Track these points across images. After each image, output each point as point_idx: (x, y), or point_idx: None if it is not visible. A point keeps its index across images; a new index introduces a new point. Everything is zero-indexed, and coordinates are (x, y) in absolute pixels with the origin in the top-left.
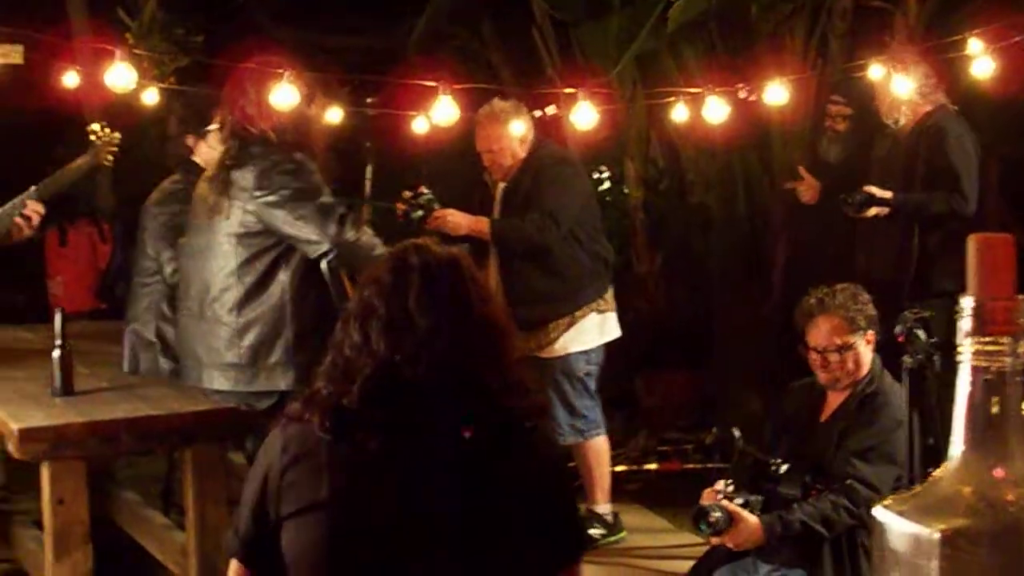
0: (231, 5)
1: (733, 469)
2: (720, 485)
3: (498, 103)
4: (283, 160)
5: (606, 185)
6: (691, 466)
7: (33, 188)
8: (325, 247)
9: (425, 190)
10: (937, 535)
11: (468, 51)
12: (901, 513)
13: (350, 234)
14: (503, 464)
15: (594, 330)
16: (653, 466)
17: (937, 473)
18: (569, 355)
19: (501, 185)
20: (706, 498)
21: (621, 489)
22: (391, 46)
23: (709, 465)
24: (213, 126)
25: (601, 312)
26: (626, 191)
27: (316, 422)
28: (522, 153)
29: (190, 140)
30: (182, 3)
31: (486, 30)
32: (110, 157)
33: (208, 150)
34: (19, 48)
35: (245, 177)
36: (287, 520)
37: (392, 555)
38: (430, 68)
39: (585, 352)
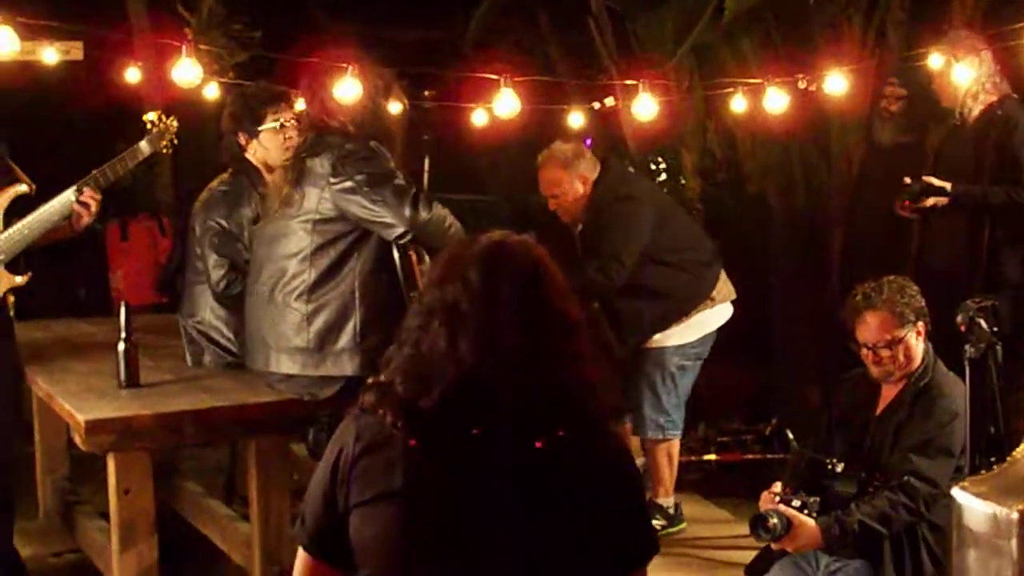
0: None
1: (788, 470)
2: (776, 487)
3: (558, 146)
4: (358, 148)
5: (662, 177)
6: (751, 457)
7: (89, 176)
8: (402, 229)
9: None
10: (1015, 515)
11: (524, 43)
12: (979, 494)
13: (423, 213)
14: (576, 465)
15: (696, 325)
16: (713, 457)
17: (1016, 453)
18: (665, 348)
19: (578, 227)
20: (763, 502)
21: (681, 480)
22: (447, 39)
23: (768, 456)
24: (266, 125)
25: (709, 307)
26: (683, 182)
27: (390, 420)
28: (586, 191)
29: (241, 138)
30: None
31: (542, 22)
32: (167, 145)
33: (261, 150)
34: (79, 44)
35: (322, 165)
36: (357, 508)
37: (460, 549)
38: (487, 60)
39: (681, 346)
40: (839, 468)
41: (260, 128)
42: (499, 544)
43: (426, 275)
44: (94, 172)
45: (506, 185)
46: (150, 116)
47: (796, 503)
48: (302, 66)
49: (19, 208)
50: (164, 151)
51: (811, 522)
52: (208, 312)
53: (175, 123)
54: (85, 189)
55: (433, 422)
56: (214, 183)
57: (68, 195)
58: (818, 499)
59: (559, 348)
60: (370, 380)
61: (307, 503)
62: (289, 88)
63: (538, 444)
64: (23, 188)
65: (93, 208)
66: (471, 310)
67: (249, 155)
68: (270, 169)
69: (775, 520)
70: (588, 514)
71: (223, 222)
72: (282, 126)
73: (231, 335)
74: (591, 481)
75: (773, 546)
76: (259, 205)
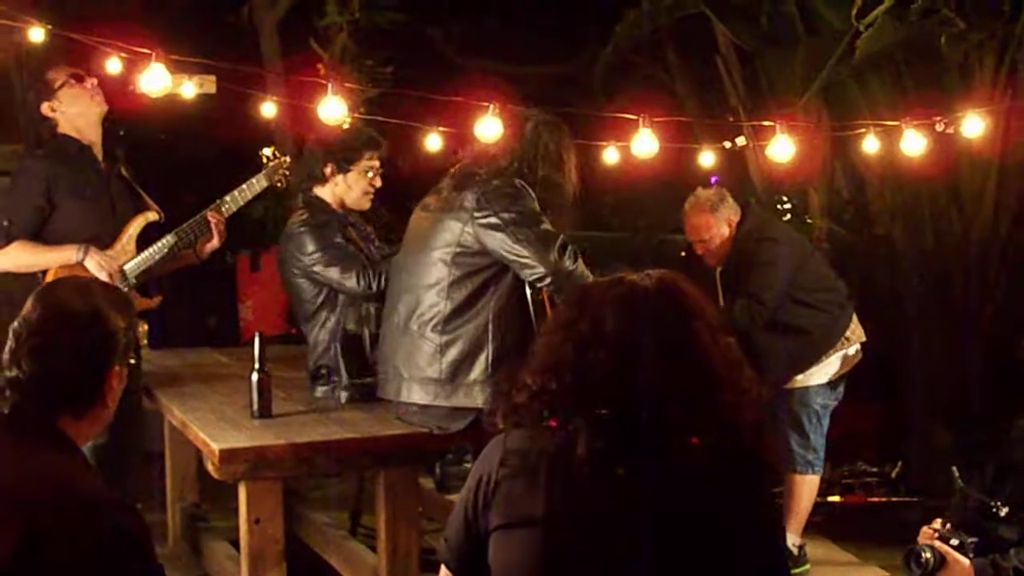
0: (419, 37)
1: (951, 508)
2: (937, 524)
3: (702, 192)
4: (504, 184)
5: (787, 217)
6: (876, 499)
7: (212, 205)
8: (542, 272)
9: None
10: None
11: (652, 80)
12: None
13: (568, 263)
14: (716, 495)
15: (835, 363)
16: (837, 498)
17: None
18: (808, 388)
19: (719, 270)
20: (923, 537)
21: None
22: (576, 75)
23: (894, 499)
24: (359, 166)
25: (846, 347)
26: (809, 221)
27: (536, 448)
28: (731, 234)
29: (328, 168)
30: (372, 35)
31: (671, 60)
32: (281, 179)
33: (343, 187)
34: (212, 78)
35: (467, 198)
36: (496, 531)
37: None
38: (614, 97)
39: (823, 385)
40: (1003, 512)
41: (352, 167)
42: (638, 573)
43: (564, 306)
44: (216, 201)
45: (633, 222)
46: (266, 151)
47: (954, 541)
48: (441, 103)
49: (149, 235)
50: (279, 185)
51: (966, 561)
52: (333, 350)
53: (287, 159)
54: (211, 215)
55: (575, 452)
56: (293, 221)
57: (198, 221)
58: (976, 540)
59: (701, 379)
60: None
61: (451, 522)
62: (423, 124)
63: (678, 475)
64: (153, 216)
65: (217, 236)
66: (611, 342)
67: (326, 188)
68: (343, 207)
69: (928, 555)
70: (727, 545)
71: (317, 249)
72: (373, 172)
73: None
74: (730, 511)
75: None
76: (344, 235)
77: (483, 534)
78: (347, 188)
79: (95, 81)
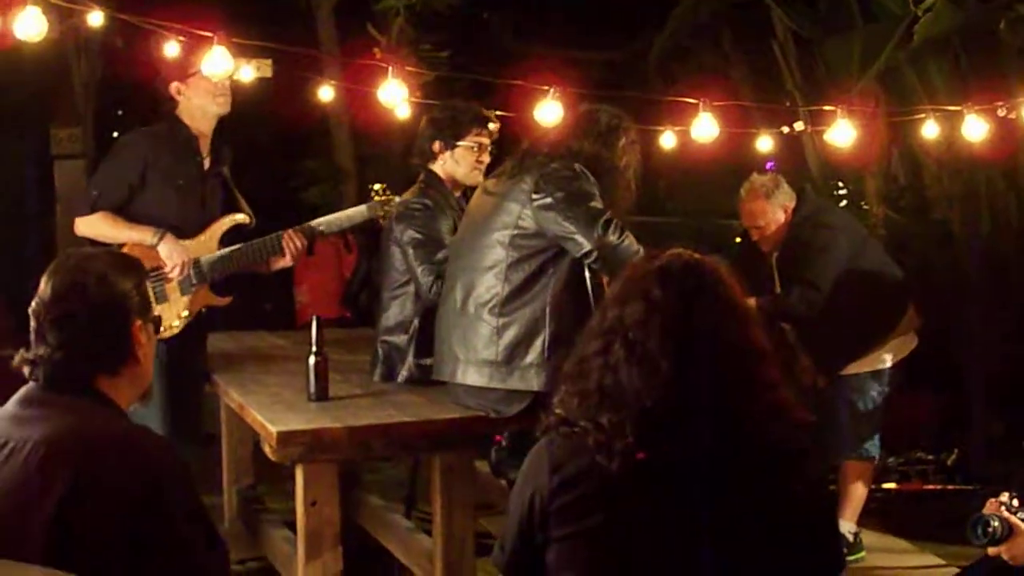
0: (475, 22)
1: (1016, 483)
2: (1004, 497)
3: (757, 178)
4: (562, 168)
5: (843, 203)
6: (931, 487)
7: (304, 225)
8: (588, 247)
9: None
10: None
11: (708, 66)
12: None
13: (612, 238)
14: (769, 491)
15: (892, 350)
16: (892, 485)
17: None
18: (864, 375)
19: (774, 255)
20: (989, 508)
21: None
22: (632, 61)
23: (950, 487)
24: (466, 142)
25: (903, 334)
26: (865, 207)
27: (587, 454)
28: (787, 219)
29: (436, 145)
30: (428, 19)
31: (727, 46)
32: (384, 216)
33: (452, 163)
34: (268, 62)
35: (526, 181)
36: (555, 543)
37: None
38: (670, 82)
39: (880, 372)
40: None
41: (459, 143)
42: (699, 571)
43: (607, 294)
44: (308, 223)
45: (687, 207)
46: (376, 187)
47: (1022, 515)
48: (497, 87)
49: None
50: (381, 221)
51: None
52: (403, 329)
53: (396, 199)
54: (294, 234)
55: (630, 456)
56: (407, 196)
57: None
58: None
59: (747, 373)
60: (556, 406)
61: (506, 531)
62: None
63: (731, 472)
64: (242, 218)
65: (293, 255)
66: (653, 334)
67: (437, 164)
68: (455, 184)
69: (996, 523)
70: (782, 537)
71: (422, 233)
72: (480, 148)
73: (419, 352)
74: (784, 504)
75: (990, 551)
76: (456, 218)
77: (540, 544)
78: (455, 164)
79: (228, 83)
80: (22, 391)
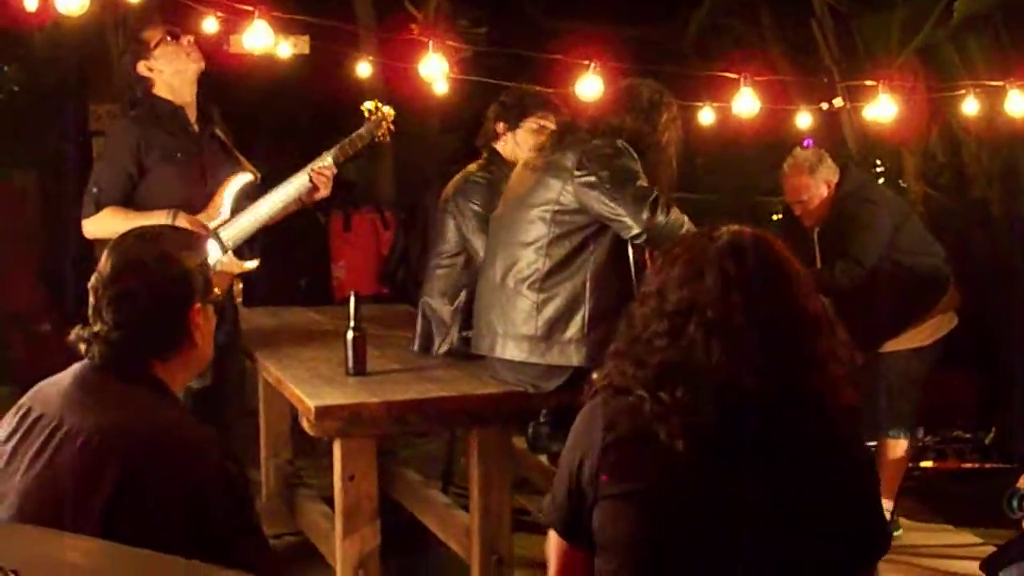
0: None
1: None
2: None
3: (800, 153)
4: (604, 144)
5: (880, 180)
6: (968, 465)
7: (325, 154)
8: (637, 230)
9: None
10: None
11: (745, 43)
12: None
13: (660, 217)
14: (818, 465)
15: (931, 328)
16: (930, 464)
17: None
18: (902, 352)
19: (816, 230)
20: (1023, 483)
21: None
22: (668, 37)
23: (987, 465)
24: (529, 123)
25: (943, 312)
26: (903, 184)
27: (646, 415)
28: (830, 194)
29: (500, 126)
30: None
31: (764, 22)
32: (385, 133)
33: (513, 144)
34: (306, 39)
35: (568, 158)
36: (602, 501)
37: (705, 547)
38: (706, 59)
39: (919, 349)
40: None
41: (522, 124)
42: (744, 542)
43: (661, 269)
44: (324, 153)
45: (724, 184)
46: (367, 105)
47: None
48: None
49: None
50: (382, 138)
51: None
52: (448, 300)
53: (391, 111)
54: (322, 164)
55: (686, 424)
56: (472, 168)
57: (302, 178)
58: None
59: (806, 348)
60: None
61: (555, 486)
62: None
63: (784, 445)
64: (247, 177)
65: (326, 182)
66: (720, 310)
67: (500, 144)
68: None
69: None
70: (829, 513)
71: (480, 206)
72: (541, 129)
73: (464, 324)
74: (832, 480)
75: None
76: None
77: (589, 503)
78: (516, 145)
79: (191, 38)
80: (78, 369)
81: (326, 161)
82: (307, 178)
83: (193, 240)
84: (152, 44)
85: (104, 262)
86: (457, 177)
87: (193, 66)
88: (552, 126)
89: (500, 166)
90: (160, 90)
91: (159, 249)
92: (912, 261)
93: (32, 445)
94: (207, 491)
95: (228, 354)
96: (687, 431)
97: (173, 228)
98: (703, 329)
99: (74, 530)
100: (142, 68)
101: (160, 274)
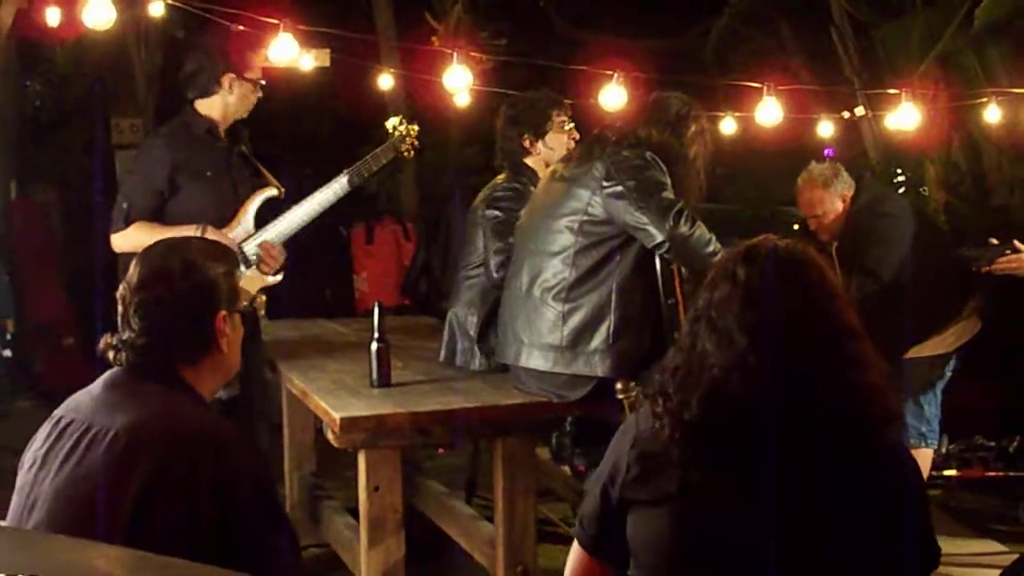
0: (532, 10)
1: None
2: None
3: (815, 167)
4: (633, 156)
5: (902, 189)
6: (992, 473)
7: (344, 173)
8: (660, 238)
9: None
10: None
11: (765, 52)
12: None
13: (684, 228)
14: (851, 474)
15: (952, 336)
16: (953, 472)
17: None
18: (924, 360)
19: (834, 245)
20: None
21: None
22: (689, 48)
23: (1012, 473)
24: (552, 125)
25: (964, 319)
26: (924, 192)
27: (667, 430)
28: (845, 208)
29: (526, 140)
30: (487, 7)
31: (784, 31)
32: (409, 149)
33: (546, 150)
34: (326, 52)
35: (596, 168)
36: (634, 508)
37: (738, 555)
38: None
39: (941, 356)
40: None
41: (547, 129)
42: (777, 550)
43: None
44: (347, 170)
45: (745, 194)
46: (392, 121)
47: None
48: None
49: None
50: (406, 155)
51: None
52: (475, 311)
53: (415, 128)
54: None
55: (704, 428)
56: (500, 178)
57: (336, 189)
58: None
59: (837, 353)
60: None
61: (586, 503)
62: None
63: (812, 452)
64: (271, 192)
65: (273, 263)
66: (731, 309)
67: (532, 158)
68: None
69: None
70: (862, 524)
71: (504, 214)
72: (566, 127)
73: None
74: (866, 490)
75: None
76: None
77: (621, 512)
78: (550, 150)
79: (264, 81)
80: (108, 375)
81: (341, 182)
82: (330, 194)
83: (220, 250)
84: (251, 66)
85: (132, 271)
86: (487, 188)
87: (252, 102)
88: (567, 118)
89: (529, 176)
90: (202, 105)
91: (185, 258)
92: (932, 271)
93: (63, 448)
94: (235, 487)
95: (255, 365)
96: (675, 430)
97: (201, 239)
98: (707, 328)
99: (104, 525)
100: (226, 81)
101: (185, 282)
